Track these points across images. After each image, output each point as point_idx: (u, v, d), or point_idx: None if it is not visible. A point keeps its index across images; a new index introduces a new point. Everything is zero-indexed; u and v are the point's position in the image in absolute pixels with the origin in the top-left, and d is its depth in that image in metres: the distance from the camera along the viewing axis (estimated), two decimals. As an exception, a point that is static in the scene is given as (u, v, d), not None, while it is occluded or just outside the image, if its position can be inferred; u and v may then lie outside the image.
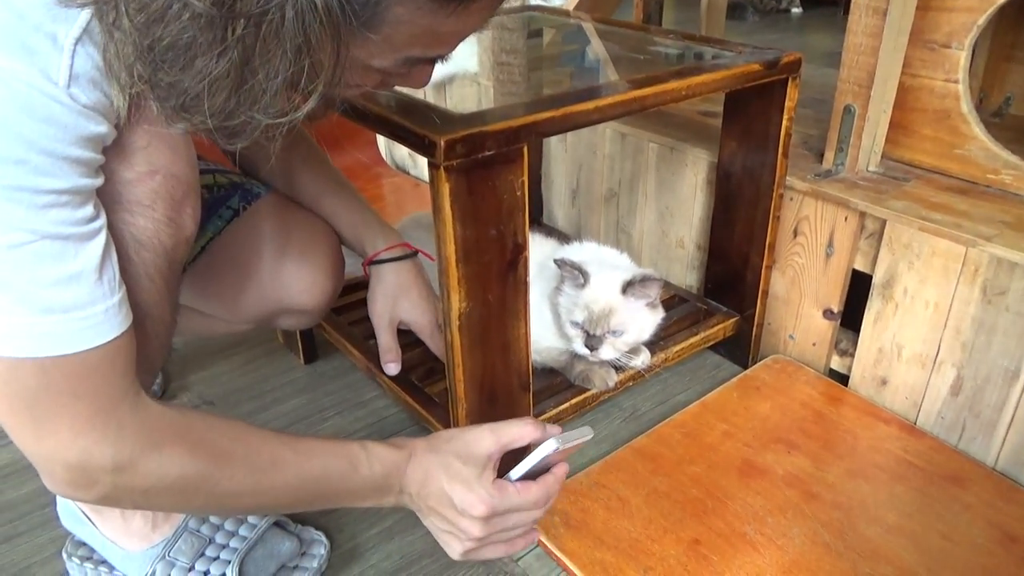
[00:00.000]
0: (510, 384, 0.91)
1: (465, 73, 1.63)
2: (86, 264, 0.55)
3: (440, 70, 1.97)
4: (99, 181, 0.57)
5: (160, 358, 0.73)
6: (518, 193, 0.80)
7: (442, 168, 0.72)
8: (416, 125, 0.75)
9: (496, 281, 0.83)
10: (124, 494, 0.61)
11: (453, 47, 0.58)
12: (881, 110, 1.11)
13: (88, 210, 0.55)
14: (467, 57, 1.61)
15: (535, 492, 0.72)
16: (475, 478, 0.71)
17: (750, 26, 3.71)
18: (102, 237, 0.56)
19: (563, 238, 1.32)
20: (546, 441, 0.69)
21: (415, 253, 0.99)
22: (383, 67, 0.56)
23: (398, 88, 0.80)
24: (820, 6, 4.01)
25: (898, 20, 1.04)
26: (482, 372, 0.87)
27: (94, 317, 0.55)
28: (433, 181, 0.75)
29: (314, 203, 0.97)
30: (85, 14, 0.51)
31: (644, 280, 1.01)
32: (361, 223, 0.98)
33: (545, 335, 1.06)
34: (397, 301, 0.99)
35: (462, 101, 1.64)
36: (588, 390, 1.05)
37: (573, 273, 1.02)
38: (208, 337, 1.30)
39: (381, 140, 2.06)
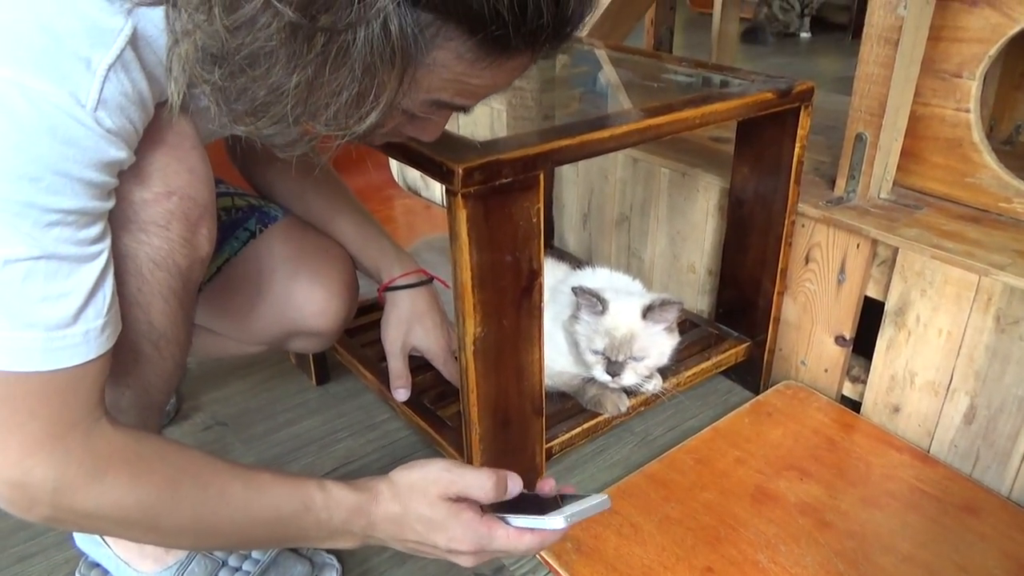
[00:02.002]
0: (523, 409, 0.91)
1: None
2: (78, 285, 0.55)
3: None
4: (109, 204, 0.58)
5: (175, 379, 0.74)
6: (534, 220, 0.80)
7: (459, 195, 0.73)
8: (434, 152, 0.76)
9: (511, 306, 0.83)
10: (66, 517, 0.60)
11: (478, 100, 0.60)
12: (893, 138, 1.12)
13: (92, 232, 0.56)
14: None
15: (527, 542, 0.70)
16: (451, 517, 0.69)
17: (759, 51, 3.74)
18: (102, 260, 0.57)
19: (575, 262, 1.33)
20: (552, 517, 0.68)
21: (430, 280, 1.00)
22: (408, 108, 0.57)
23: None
24: (829, 31, 4.04)
25: (910, 50, 1.05)
26: (496, 396, 0.88)
27: (72, 338, 0.56)
28: (450, 208, 0.76)
29: (329, 227, 0.98)
30: (121, 40, 0.53)
31: (664, 304, 1.01)
32: (376, 249, 0.98)
33: (557, 360, 1.06)
34: (411, 328, 0.99)
35: (475, 125, 1.65)
36: (600, 415, 1.05)
37: (591, 301, 1.02)
38: (221, 358, 1.31)
39: (393, 162, 2.08)
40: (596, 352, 1.02)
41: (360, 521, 0.70)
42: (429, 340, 1.00)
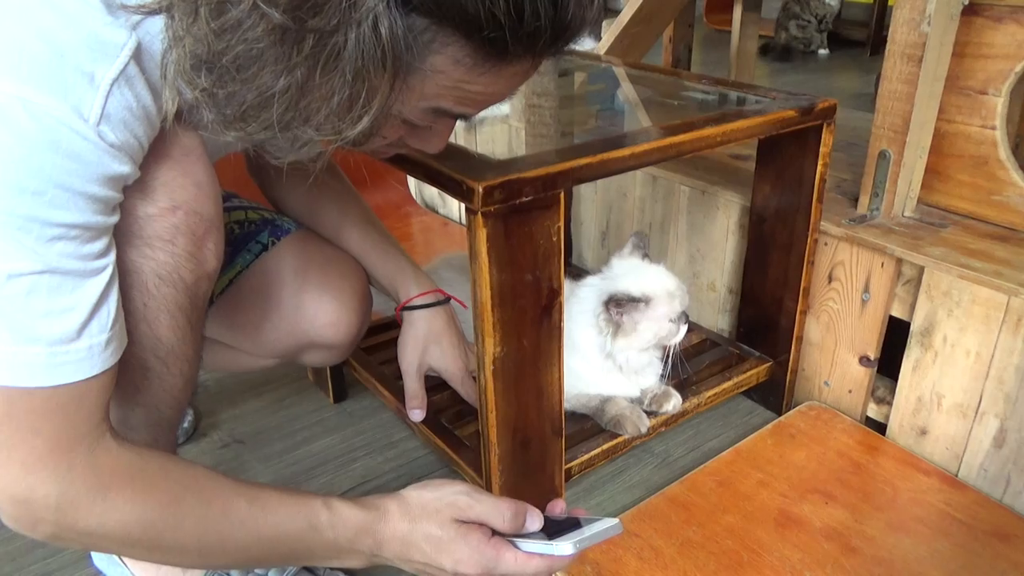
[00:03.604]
0: (543, 429, 0.90)
1: (496, 115, 1.65)
2: (82, 300, 0.55)
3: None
4: (114, 219, 0.58)
5: (185, 395, 0.73)
6: (554, 239, 0.80)
7: (480, 214, 0.73)
8: (454, 171, 0.76)
9: (531, 326, 0.82)
10: (69, 535, 0.59)
11: (479, 109, 0.59)
12: (917, 156, 1.10)
13: (96, 247, 0.56)
14: (498, 99, 1.63)
15: (535, 567, 0.69)
16: (458, 538, 0.68)
17: (777, 68, 3.73)
18: (106, 275, 0.57)
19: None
20: (561, 543, 0.67)
21: (447, 300, 1.00)
22: (410, 116, 0.57)
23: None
24: (847, 47, 4.02)
25: (933, 67, 1.04)
26: (515, 417, 0.87)
27: (76, 353, 0.55)
28: (470, 226, 0.75)
29: (346, 243, 0.98)
30: (124, 55, 0.53)
31: (638, 236, 1.10)
32: (394, 268, 0.98)
33: (575, 382, 1.05)
34: (428, 348, 0.99)
35: (493, 143, 1.65)
36: (619, 436, 1.03)
37: (633, 304, 1.01)
38: (235, 372, 1.31)
39: (411, 179, 2.09)
40: (674, 320, 1.03)
41: (367, 540, 0.69)
42: (446, 360, 0.99)
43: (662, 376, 1.10)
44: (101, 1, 0.52)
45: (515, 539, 0.70)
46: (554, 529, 0.71)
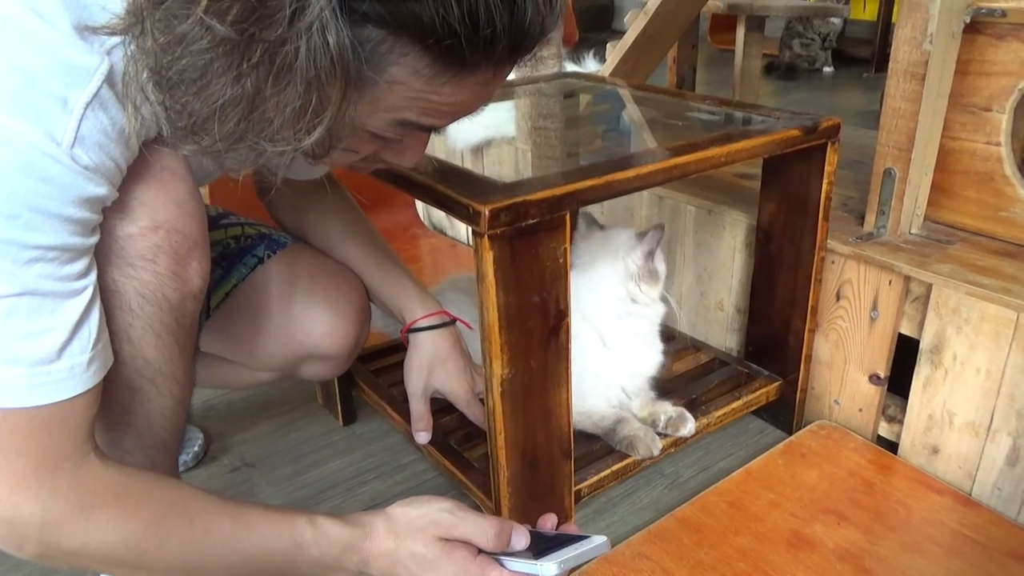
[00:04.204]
0: (552, 451, 0.90)
1: (502, 137, 1.67)
2: (62, 320, 0.56)
3: (477, 134, 2.00)
4: (93, 240, 0.58)
5: (178, 416, 0.73)
6: (560, 260, 0.80)
7: (486, 236, 0.74)
8: (461, 194, 0.76)
9: (538, 348, 0.83)
10: (55, 554, 0.60)
11: (447, 120, 0.58)
12: (922, 173, 1.10)
13: (76, 267, 0.56)
14: (504, 122, 1.64)
15: None
16: (443, 556, 0.68)
17: (781, 86, 3.75)
18: (86, 296, 0.57)
19: None
20: (545, 563, 0.67)
21: (453, 321, 1.00)
22: (377, 129, 0.57)
23: (436, 154, 0.82)
24: (851, 64, 4.04)
25: (937, 84, 1.04)
26: (524, 439, 0.87)
27: (57, 373, 0.56)
28: (477, 249, 0.76)
29: (352, 264, 0.99)
30: (97, 79, 0.54)
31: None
32: (399, 289, 0.98)
33: (586, 399, 1.05)
34: (433, 370, 0.99)
35: (499, 165, 1.66)
36: (629, 457, 1.03)
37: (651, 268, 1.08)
38: (235, 388, 1.30)
39: (419, 202, 2.10)
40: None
41: (353, 557, 0.69)
42: (452, 383, 0.99)
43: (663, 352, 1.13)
44: (73, 27, 0.53)
45: (501, 557, 0.70)
46: (543, 546, 0.71)
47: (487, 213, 0.72)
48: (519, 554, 0.70)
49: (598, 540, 0.70)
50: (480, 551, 0.70)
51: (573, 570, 0.77)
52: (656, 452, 1.03)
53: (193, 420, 1.26)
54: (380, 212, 1.96)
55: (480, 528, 0.70)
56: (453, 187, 0.78)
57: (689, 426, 1.06)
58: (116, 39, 0.53)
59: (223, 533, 0.64)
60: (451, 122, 0.59)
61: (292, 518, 0.68)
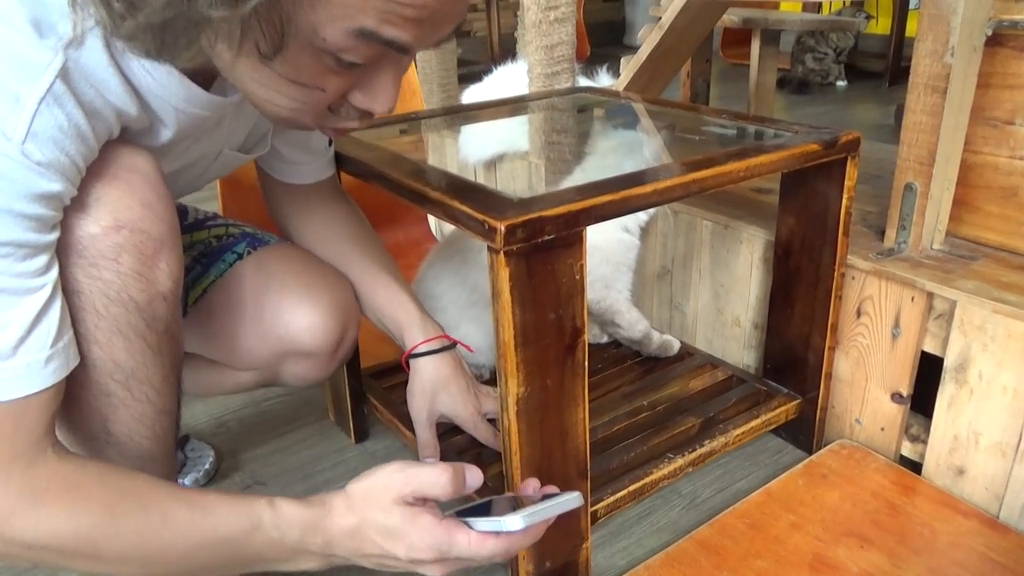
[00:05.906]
0: (568, 471, 0.88)
1: (515, 152, 1.66)
2: (17, 317, 0.55)
3: (490, 149, 1.99)
4: (51, 237, 0.57)
5: (158, 424, 0.71)
6: (577, 277, 0.79)
7: (502, 253, 0.72)
8: (475, 209, 0.75)
9: (554, 365, 0.81)
10: (12, 549, 0.59)
11: (412, 31, 0.53)
12: (944, 188, 1.08)
13: (34, 264, 0.56)
14: (518, 137, 1.63)
15: (490, 548, 0.67)
16: (406, 523, 0.66)
17: (796, 100, 3.73)
18: (45, 293, 0.57)
19: None
20: (510, 517, 0.65)
21: (453, 345, 0.98)
22: (336, 46, 0.53)
23: (449, 169, 0.81)
24: (865, 78, 4.02)
25: (958, 98, 1.03)
26: (539, 458, 0.85)
27: (13, 371, 0.55)
28: (492, 265, 0.75)
29: (357, 283, 0.98)
30: (50, 74, 0.54)
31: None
32: (401, 314, 0.97)
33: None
34: (436, 396, 0.97)
35: (513, 180, 1.65)
36: (646, 476, 1.01)
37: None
38: (220, 393, 1.26)
39: (431, 217, 2.09)
40: None
41: (316, 539, 0.67)
42: (456, 406, 0.98)
43: None
44: (30, 24, 0.53)
45: (468, 519, 0.68)
46: (518, 508, 0.69)
47: (503, 229, 0.71)
48: (486, 510, 0.68)
49: (569, 495, 0.69)
50: (446, 515, 0.68)
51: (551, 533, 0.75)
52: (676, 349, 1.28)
53: (204, 437, 1.25)
54: (393, 227, 1.96)
55: (433, 477, 0.68)
56: (468, 202, 0.77)
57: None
58: (71, 35, 0.53)
59: (179, 520, 0.62)
60: (420, 39, 0.55)
61: (249, 501, 0.66)
